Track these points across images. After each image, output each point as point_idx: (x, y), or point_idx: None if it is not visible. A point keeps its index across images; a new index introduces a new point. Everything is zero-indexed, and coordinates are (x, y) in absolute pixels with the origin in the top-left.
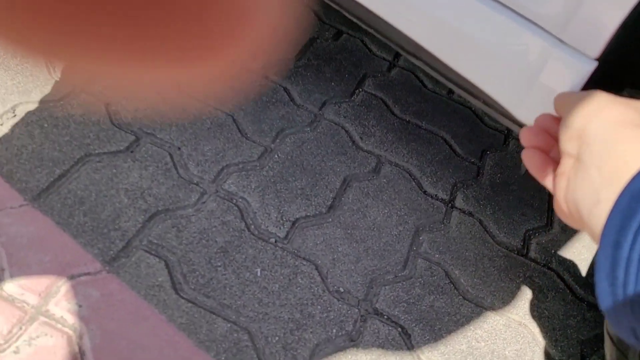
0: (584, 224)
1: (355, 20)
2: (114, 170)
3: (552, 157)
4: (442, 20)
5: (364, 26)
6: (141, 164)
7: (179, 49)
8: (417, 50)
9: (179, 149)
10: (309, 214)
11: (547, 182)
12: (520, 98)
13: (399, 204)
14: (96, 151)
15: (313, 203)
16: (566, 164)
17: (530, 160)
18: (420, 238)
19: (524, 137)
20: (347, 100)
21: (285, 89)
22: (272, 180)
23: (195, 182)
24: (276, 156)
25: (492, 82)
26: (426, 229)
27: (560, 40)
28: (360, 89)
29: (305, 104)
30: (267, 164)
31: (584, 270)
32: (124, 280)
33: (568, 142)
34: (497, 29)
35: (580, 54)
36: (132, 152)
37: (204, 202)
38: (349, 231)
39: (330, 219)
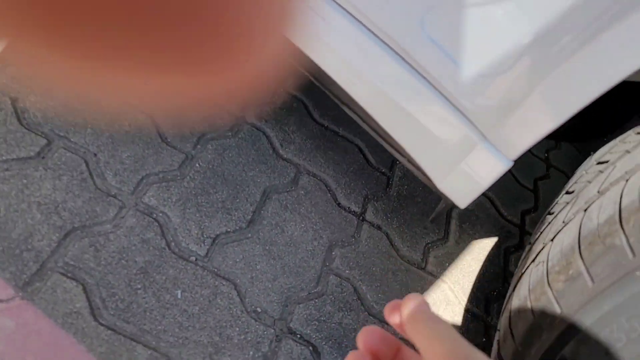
0: None
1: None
2: (25, 181)
3: None
4: (385, 90)
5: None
6: (54, 172)
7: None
8: (356, 107)
9: (95, 155)
10: (229, 229)
11: None
12: (443, 174)
13: (315, 217)
14: (3, 157)
15: (234, 217)
16: None
17: None
18: (333, 253)
19: None
20: (268, 101)
21: None
22: (193, 192)
23: (113, 194)
24: (197, 165)
25: (420, 153)
26: (339, 244)
27: (485, 137)
28: (281, 89)
29: (226, 106)
30: (188, 174)
31: (470, 282)
32: (39, 308)
33: None
34: (433, 111)
35: (500, 154)
36: (43, 158)
37: (122, 217)
38: (267, 247)
39: (250, 235)
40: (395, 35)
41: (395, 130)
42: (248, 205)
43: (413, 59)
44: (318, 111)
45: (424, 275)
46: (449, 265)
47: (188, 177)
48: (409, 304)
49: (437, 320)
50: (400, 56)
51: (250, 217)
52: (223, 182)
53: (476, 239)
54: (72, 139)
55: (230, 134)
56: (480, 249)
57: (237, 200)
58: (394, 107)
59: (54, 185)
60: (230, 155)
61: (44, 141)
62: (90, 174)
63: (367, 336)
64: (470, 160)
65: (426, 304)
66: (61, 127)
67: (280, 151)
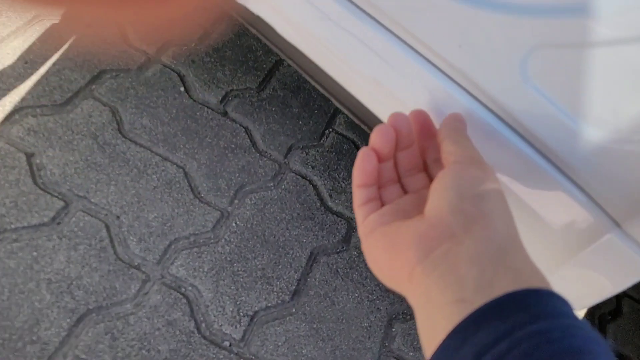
0: (401, 286)
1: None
2: (35, 253)
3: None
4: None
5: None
6: (70, 241)
7: None
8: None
9: (118, 217)
10: (270, 303)
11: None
12: (550, 268)
13: (371, 284)
14: (12, 225)
15: (275, 288)
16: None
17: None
18: (393, 330)
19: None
20: (315, 143)
21: (246, 130)
22: (229, 258)
23: (136, 264)
24: (234, 224)
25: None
26: (399, 318)
27: (618, 224)
28: (331, 129)
29: (269, 150)
30: (223, 236)
31: None
32: None
33: (456, 215)
34: (539, 186)
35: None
36: (59, 224)
37: (146, 294)
38: (315, 325)
39: (295, 310)
40: (482, 83)
41: None
42: (292, 272)
43: (508, 114)
44: None
45: None
46: None
47: (223, 240)
48: (452, 116)
49: (465, 136)
50: (487, 107)
51: (294, 287)
52: (263, 245)
53: None
54: (92, 199)
55: (272, 184)
56: None
57: (280, 267)
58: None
59: (69, 257)
60: (271, 210)
61: (61, 204)
62: (111, 240)
63: (396, 117)
64: (595, 253)
65: (464, 123)
66: (81, 185)
67: (330, 203)
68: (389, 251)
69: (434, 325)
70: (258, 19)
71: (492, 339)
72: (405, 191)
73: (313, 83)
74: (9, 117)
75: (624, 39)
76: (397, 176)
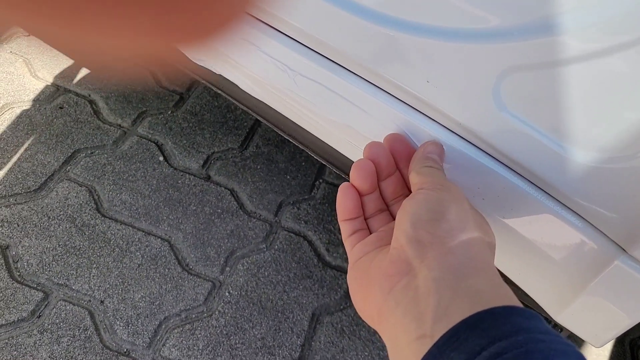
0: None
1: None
2: (15, 352)
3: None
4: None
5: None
6: (52, 335)
7: None
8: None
9: (102, 302)
10: None
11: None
12: (561, 304)
13: (381, 340)
14: None
15: (278, 358)
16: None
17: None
18: None
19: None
20: (306, 197)
21: (232, 192)
22: (225, 332)
23: (125, 351)
24: (227, 294)
25: (524, 276)
26: None
27: (624, 250)
28: (321, 179)
29: (258, 210)
30: (216, 308)
31: None
32: None
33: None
34: (538, 219)
35: None
36: (39, 317)
37: None
38: None
39: None
40: (456, 116)
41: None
42: (294, 337)
43: (489, 144)
44: None
45: None
46: None
47: (217, 312)
48: (422, 147)
49: (432, 164)
50: (467, 140)
51: (298, 353)
52: (260, 312)
53: None
54: (73, 287)
55: (264, 246)
56: None
57: (280, 334)
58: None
59: (51, 352)
60: (266, 274)
61: (40, 295)
62: (97, 328)
63: (372, 148)
64: (604, 283)
65: (438, 147)
66: (61, 272)
67: (327, 257)
68: (363, 286)
69: None
70: (221, 78)
71: None
72: (393, 218)
73: (287, 137)
74: None
75: (596, 51)
76: (385, 204)
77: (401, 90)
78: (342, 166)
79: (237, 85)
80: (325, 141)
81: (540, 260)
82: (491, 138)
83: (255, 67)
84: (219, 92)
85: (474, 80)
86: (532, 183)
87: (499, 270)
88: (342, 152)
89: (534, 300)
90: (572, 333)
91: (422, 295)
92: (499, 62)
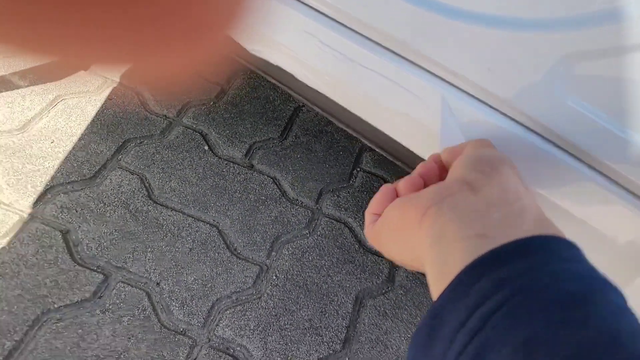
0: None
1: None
2: (80, 331)
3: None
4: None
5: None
6: (113, 314)
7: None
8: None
9: (158, 284)
10: (321, 355)
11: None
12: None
13: None
14: (55, 305)
15: (325, 339)
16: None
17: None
18: None
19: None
20: (345, 185)
21: (274, 180)
22: (274, 313)
23: (181, 330)
24: (274, 277)
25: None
26: None
27: None
28: (359, 168)
29: (300, 198)
30: (265, 291)
31: None
32: None
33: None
34: (604, 207)
35: None
36: (100, 297)
37: (195, 359)
38: None
39: (348, 358)
40: (518, 104)
41: None
42: (340, 319)
43: (551, 132)
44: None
45: None
46: None
47: (265, 295)
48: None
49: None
50: (528, 127)
51: (344, 334)
52: (306, 295)
53: None
54: (131, 269)
55: (307, 232)
56: None
57: (326, 315)
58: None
59: (114, 330)
60: (310, 258)
61: (100, 277)
62: (154, 308)
63: (425, 167)
64: None
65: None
66: (118, 256)
67: (367, 244)
68: (400, 209)
69: (446, 261)
70: (277, 68)
71: (514, 274)
72: None
73: (338, 124)
74: (41, 197)
75: None
76: None
77: (462, 79)
78: (391, 150)
79: (292, 75)
80: (379, 127)
81: (604, 244)
82: (554, 126)
83: (314, 58)
84: (275, 82)
85: (536, 68)
86: (595, 169)
87: None
88: (395, 139)
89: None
90: None
91: (484, 205)
92: (561, 50)
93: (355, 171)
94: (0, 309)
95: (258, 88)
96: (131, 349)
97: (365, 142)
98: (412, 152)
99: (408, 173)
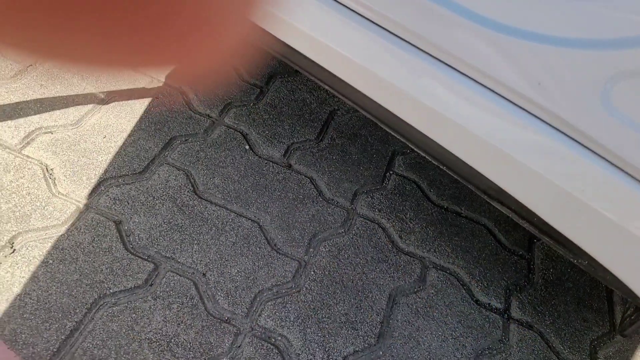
0: None
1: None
2: (134, 315)
3: None
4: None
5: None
6: (164, 301)
7: None
8: (498, 194)
9: (204, 275)
10: (357, 348)
11: None
12: None
13: (453, 321)
14: (111, 290)
15: (360, 333)
16: None
17: None
18: None
19: None
20: (378, 187)
21: (311, 180)
22: (312, 306)
23: (226, 319)
24: (312, 272)
25: (612, 256)
26: (486, 353)
27: None
28: (391, 171)
29: (335, 198)
30: (303, 285)
31: None
32: None
33: None
34: (631, 205)
35: None
36: (151, 285)
37: (239, 347)
38: None
39: (382, 352)
40: (566, 117)
41: (573, 231)
42: (374, 315)
43: (595, 142)
44: (434, 191)
45: None
46: None
47: (304, 289)
48: None
49: None
50: (576, 140)
51: (378, 329)
52: (343, 290)
53: None
54: (179, 260)
55: (342, 230)
56: None
57: (362, 311)
58: (566, 198)
59: (165, 316)
60: (346, 256)
61: (151, 266)
62: (201, 297)
63: None
64: None
65: None
66: (167, 247)
67: (400, 244)
68: None
69: None
70: (318, 67)
71: None
72: None
73: (388, 129)
74: (95, 189)
75: None
76: None
77: (514, 93)
78: (429, 149)
79: (338, 77)
80: (432, 138)
81: (635, 244)
82: (599, 137)
83: (385, 70)
84: (311, 76)
85: (583, 84)
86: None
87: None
88: (451, 151)
89: (621, 282)
90: None
91: None
92: (609, 68)
93: (388, 174)
94: (61, 292)
95: (295, 91)
96: (181, 334)
97: (404, 140)
98: (447, 152)
99: (439, 177)
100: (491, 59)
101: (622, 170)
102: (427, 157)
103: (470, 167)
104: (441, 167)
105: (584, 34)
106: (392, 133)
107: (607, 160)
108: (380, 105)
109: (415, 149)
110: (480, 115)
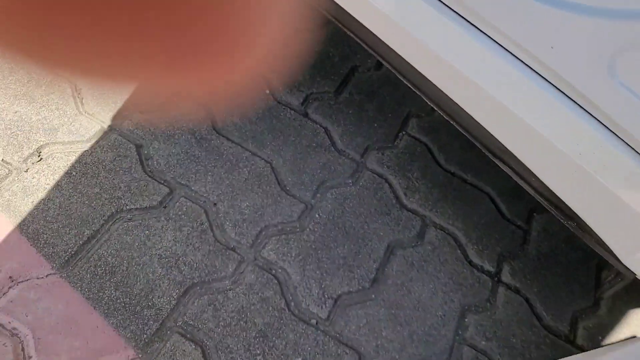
0: None
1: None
2: (147, 232)
3: None
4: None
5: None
6: (175, 223)
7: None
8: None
9: (215, 204)
10: (352, 289)
11: None
12: (634, 248)
13: (445, 277)
14: (127, 206)
15: (356, 276)
16: None
17: None
18: (466, 320)
19: None
20: (390, 145)
21: (326, 130)
22: (313, 246)
23: (232, 247)
24: (317, 215)
25: (601, 221)
26: (472, 310)
27: None
28: (404, 132)
29: (347, 150)
30: (307, 226)
31: None
32: None
33: None
34: (627, 175)
35: None
36: (165, 207)
37: (241, 273)
38: (393, 311)
39: (374, 296)
40: (573, 81)
41: (565, 192)
42: (371, 262)
43: (602, 112)
44: (444, 156)
45: (573, 351)
46: (602, 340)
47: (308, 229)
48: None
49: None
50: (580, 106)
51: (373, 275)
52: (344, 236)
53: (635, 307)
54: (193, 187)
55: (350, 181)
56: None
57: (360, 256)
58: (566, 164)
59: (175, 237)
60: (351, 205)
61: (166, 190)
62: (210, 224)
63: None
64: None
65: None
66: (183, 174)
67: (404, 201)
68: None
69: None
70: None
71: None
72: None
73: (409, 84)
74: (120, 112)
75: None
76: None
77: (528, 54)
78: (449, 110)
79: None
80: (449, 94)
81: (623, 209)
82: (602, 104)
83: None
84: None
85: (593, 51)
86: (633, 148)
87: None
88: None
89: (605, 244)
90: (636, 279)
91: None
92: (618, 38)
93: (400, 134)
94: (82, 202)
95: (320, 42)
96: (189, 255)
97: (428, 101)
98: (458, 107)
99: (450, 143)
100: (511, 20)
101: (619, 137)
102: (438, 110)
103: (479, 124)
104: (450, 121)
105: (595, 2)
106: (413, 88)
107: (606, 127)
108: (403, 58)
109: (428, 102)
110: (495, 75)
